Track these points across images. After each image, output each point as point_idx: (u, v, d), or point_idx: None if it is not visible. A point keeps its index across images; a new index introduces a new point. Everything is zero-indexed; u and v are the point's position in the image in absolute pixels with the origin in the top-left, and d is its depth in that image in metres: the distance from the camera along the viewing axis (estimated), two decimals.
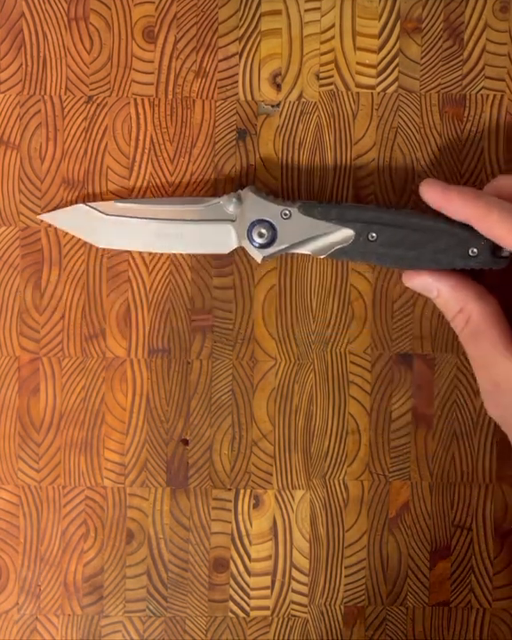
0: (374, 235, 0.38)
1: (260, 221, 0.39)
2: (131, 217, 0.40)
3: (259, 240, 0.39)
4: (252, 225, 0.39)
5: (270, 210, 0.39)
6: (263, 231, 0.39)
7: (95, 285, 0.41)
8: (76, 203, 0.41)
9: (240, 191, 0.39)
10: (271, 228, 0.39)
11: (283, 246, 0.39)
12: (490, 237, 0.36)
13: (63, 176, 0.41)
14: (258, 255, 0.39)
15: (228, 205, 0.39)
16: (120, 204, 0.40)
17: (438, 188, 0.37)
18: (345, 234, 0.38)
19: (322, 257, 0.39)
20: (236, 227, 0.39)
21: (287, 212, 0.39)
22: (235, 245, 0.40)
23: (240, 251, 0.41)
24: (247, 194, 0.39)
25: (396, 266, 0.38)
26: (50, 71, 0.41)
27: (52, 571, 0.41)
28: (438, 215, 0.37)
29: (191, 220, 0.40)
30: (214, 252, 0.40)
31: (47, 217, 0.40)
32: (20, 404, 0.41)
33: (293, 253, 0.40)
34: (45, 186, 0.41)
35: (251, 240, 0.39)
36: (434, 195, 0.37)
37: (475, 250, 0.37)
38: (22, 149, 0.41)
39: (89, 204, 0.40)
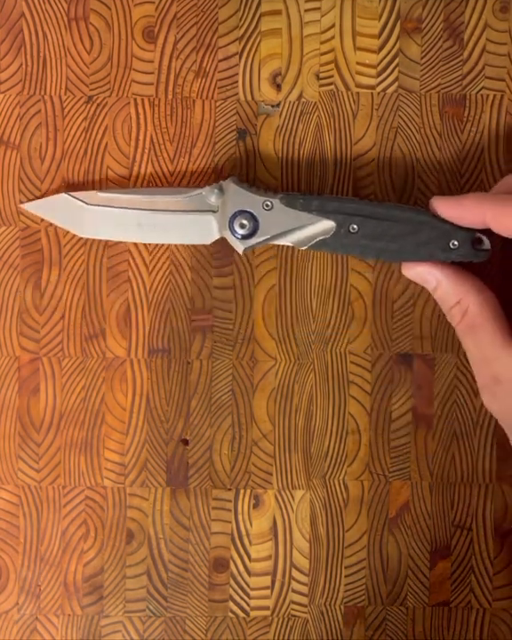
0: (355, 227, 0.38)
1: (242, 212, 0.39)
2: (112, 207, 0.40)
3: (240, 231, 0.39)
4: (234, 216, 0.39)
5: (252, 201, 0.39)
6: (245, 222, 0.39)
7: (95, 285, 0.41)
8: None
9: (222, 182, 0.39)
10: (253, 219, 0.39)
11: (264, 237, 0.39)
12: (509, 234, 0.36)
13: (63, 176, 0.41)
14: (239, 246, 0.39)
15: (210, 196, 0.39)
16: (102, 194, 0.40)
17: (448, 197, 0.37)
18: (326, 225, 0.38)
19: (303, 249, 0.39)
20: (217, 217, 0.39)
21: (269, 204, 0.39)
22: (216, 236, 0.39)
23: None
24: (229, 185, 0.39)
25: (377, 258, 0.38)
26: (50, 71, 0.41)
27: (52, 571, 0.41)
28: (420, 207, 0.37)
29: (173, 211, 0.39)
30: (195, 243, 0.40)
31: (30, 206, 0.40)
32: (19, 404, 0.41)
33: (278, 245, 0.40)
34: (45, 186, 0.41)
35: (232, 231, 0.39)
36: (446, 204, 0.37)
37: (455, 242, 0.37)
38: (22, 149, 0.41)
39: (71, 193, 0.40)
